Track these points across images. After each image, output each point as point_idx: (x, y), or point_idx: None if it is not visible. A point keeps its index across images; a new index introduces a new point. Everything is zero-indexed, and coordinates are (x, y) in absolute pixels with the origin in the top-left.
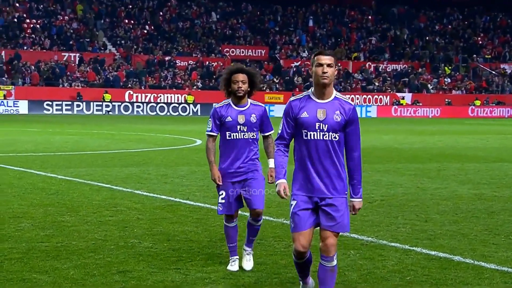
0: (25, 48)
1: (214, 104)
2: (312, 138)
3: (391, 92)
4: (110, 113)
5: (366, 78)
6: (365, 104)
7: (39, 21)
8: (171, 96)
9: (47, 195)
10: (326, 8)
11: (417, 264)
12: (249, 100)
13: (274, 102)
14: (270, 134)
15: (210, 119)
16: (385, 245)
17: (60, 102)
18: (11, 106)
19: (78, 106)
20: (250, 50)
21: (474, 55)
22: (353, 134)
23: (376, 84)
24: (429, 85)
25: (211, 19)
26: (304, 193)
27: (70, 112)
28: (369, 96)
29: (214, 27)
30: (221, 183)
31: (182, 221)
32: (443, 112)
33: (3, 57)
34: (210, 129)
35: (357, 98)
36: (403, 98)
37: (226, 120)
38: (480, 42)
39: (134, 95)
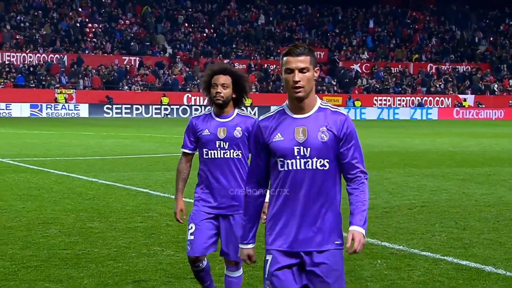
0: (86, 52)
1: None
2: (291, 168)
3: (453, 94)
4: (169, 116)
5: (427, 79)
6: (426, 106)
7: (100, 26)
8: None
9: (82, 200)
10: (387, 9)
11: (445, 275)
12: (236, 110)
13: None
14: None
15: (185, 132)
16: (415, 254)
17: (119, 106)
18: (72, 110)
19: (137, 109)
20: None
21: None
22: (347, 152)
23: (438, 85)
24: (493, 86)
25: (270, 21)
26: (284, 245)
27: (129, 116)
28: (430, 98)
29: (273, 29)
30: (181, 221)
31: None
32: (507, 114)
33: (66, 61)
34: (183, 145)
35: (418, 100)
36: (465, 100)
37: (203, 133)
38: None
39: (192, 98)
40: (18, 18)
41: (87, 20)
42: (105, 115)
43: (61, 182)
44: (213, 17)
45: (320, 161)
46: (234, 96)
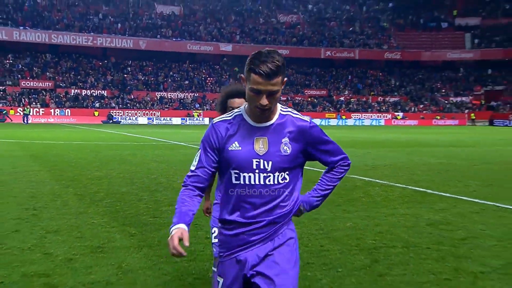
0: None
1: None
2: (248, 182)
3: (392, 112)
4: None
5: (378, 105)
6: (379, 118)
7: None
8: None
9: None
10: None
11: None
12: None
13: None
14: None
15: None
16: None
17: None
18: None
19: None
20: None
21: None
22: (324, 153)
23: (384, 108)
24: (411, 108)
25: None
26: (233, 267)
27: None
28: (383, 114)
29: None
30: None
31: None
32: (420, 123)
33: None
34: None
35: (376, 116)
36: (398, 115)
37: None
38: None
39: None
40: None
41: None
42: None
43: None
44: None
45: (282, 175)
46: None
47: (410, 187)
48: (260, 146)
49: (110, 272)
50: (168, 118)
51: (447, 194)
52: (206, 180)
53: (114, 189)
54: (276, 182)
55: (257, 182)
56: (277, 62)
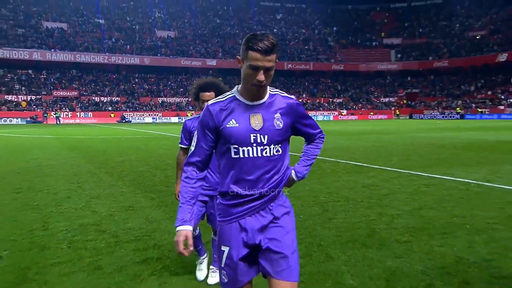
0: None
1: (184, 118)
2: (247, 155)
3: (338, 109)
4: None
5: (331, 106)
6: (329, 115)
7: None
8: None
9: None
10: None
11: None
12: None
13: None
14: None
15: (181, 132)
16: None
17: None
18: None
19: None
20: None
21: None
22: (307, 127)
23: (333, 107)
24: (346, 106)
25: None
26: (237, 236)
27: None
28: (332, 112)
29: None
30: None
31: None
32: (360, 117)
33: None
34: (180, 141)
35: (326, 113)
36: (342, 113)
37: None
38: None
39: None
40: None
41: None
42: None
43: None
44: None
45: (276, 147)
46: None
47: (351, 162)
48: (256, 122)
49: (140, 221)
50: (168, 118)
51: (376, 166)
52: (205, 160)
53: (134, 168)
54: (271, 154)
55: (255, 155)
56: (272, 41)
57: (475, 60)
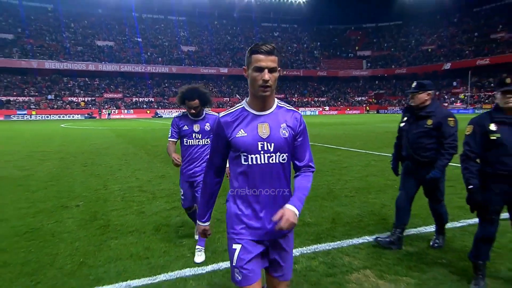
0: None
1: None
2: (255, 163)
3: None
4: None
5: (316, 103)
6: (313, 110)
7: None
8: None
9: None
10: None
11: None
12: (205, 111)
13: None
14: None
15: (171, 127)
16: None
17: None
18: None
19: None
20: None
21: None
22: (300, 146)
23: (317, 104)
24: (329, 103)
25: None
26: (250, 235)
27: None
28: (315, 108)
29: None
30: (178, 162)
31: None
32: (339, 112)
33: None
34: (170, 135)
35: (307, 109)
36: (325, 108)
37: (183, 128)
38: None
39: None
40: None
41: None
42: None
43: None
44: None
45: (281, 156)
46: (201, 106)
47: (325, 144)
48: (263, 130)
49: (169, 185)
50: None
51: (343, 148)
52: (220, 163)
53: (164, 150)
54: (277, 161)
55: (262, 162)
56: (272, 44)
57: (427, 68)
